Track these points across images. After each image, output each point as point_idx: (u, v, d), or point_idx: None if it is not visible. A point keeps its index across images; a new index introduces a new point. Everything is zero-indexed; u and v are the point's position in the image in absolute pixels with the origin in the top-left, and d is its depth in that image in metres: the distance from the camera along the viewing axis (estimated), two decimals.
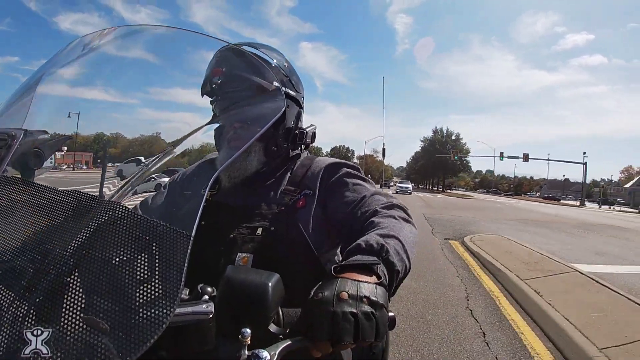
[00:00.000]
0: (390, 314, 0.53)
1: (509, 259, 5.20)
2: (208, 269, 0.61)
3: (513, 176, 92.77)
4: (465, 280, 4.49)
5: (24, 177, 0.65)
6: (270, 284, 0.49)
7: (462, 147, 63.33)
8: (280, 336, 0.51)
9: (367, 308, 0.49)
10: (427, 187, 73.02)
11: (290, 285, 0.54)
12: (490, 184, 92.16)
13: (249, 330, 0.47)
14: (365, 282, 0.53)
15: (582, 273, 4.43)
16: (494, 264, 5.01)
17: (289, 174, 0.86)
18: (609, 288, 3.82)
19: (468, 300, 3.77)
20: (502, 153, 44.00)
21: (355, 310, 0.48)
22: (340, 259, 0.89)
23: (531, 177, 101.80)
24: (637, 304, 3.41)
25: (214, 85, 0.79)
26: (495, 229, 9.41)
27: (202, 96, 0.82)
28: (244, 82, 0.78)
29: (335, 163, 0.88)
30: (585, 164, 42.51)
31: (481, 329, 3.06)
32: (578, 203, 41.89)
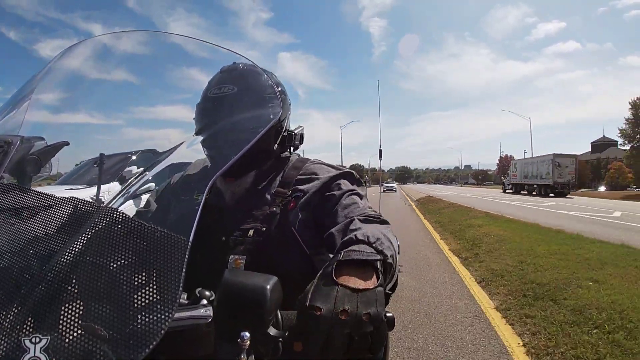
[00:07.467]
0: (389, 314, 0.52)
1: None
2: (202, 273, 0.60)
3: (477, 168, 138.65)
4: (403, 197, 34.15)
5: (21, 183, 0.65)
6: (268, 287, 0.49)
7: (411, 170, 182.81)
8: (280, 339, 0.51)
9: (367, 328, 0.46)
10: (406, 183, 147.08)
11: (285, 286, 0.54)
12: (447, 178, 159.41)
13: (248, 334, 0.46)
14: (365, 289, 0.50)
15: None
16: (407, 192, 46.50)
17: (280, 176, 0.84)
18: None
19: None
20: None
21: (353, 333, 0.46)
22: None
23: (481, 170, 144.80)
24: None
25: (215, 92, 0.79)
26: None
27: (201, 101, 0.82)
28: (243, 86, 0.78)
29: (333, 177, 0.83)
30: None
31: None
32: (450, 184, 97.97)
